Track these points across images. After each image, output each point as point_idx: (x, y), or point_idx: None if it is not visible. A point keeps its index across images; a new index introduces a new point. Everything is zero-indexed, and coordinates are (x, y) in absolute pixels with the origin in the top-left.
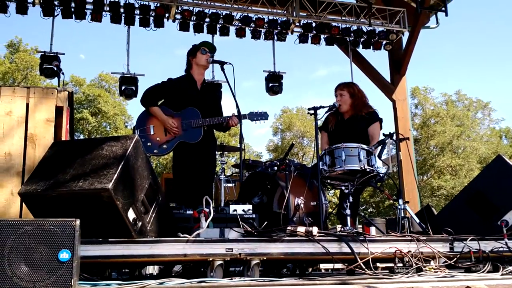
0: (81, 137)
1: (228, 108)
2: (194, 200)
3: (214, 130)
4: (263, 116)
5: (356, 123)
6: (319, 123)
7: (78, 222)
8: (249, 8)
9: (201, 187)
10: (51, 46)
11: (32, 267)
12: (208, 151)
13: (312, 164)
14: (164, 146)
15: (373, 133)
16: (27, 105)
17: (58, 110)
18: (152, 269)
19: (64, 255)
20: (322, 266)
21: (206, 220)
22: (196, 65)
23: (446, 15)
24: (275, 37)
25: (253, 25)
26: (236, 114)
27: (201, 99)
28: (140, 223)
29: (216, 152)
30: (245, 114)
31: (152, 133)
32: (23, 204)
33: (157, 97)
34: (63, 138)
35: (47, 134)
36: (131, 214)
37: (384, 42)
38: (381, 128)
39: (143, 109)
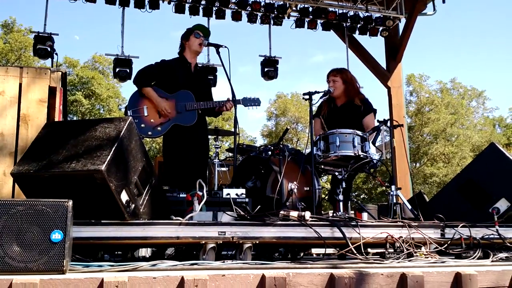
0: (75, 119)
1: (223, 92)
2: (188, 185)
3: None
4: (255, 102)
5: (350, 110)
6: (314, 108)
7: (70, 203)
8: None
9: (195, 172)
10: (45, 27)
11: (24, 247)
12: (201, 135)
13: (306, 149)
14: (158, 128)
15: (368, 124)
16: (20, 85)
17: (51, 91)
18: (145, 252)
19: (56, 235)
20: (314, 251)
21: (199, 204)
22: (188, 48)
23: (443, 2)
24: (272, 21)
25: (250, 9)
26: (230, 98)
27: (194, 82)
28: (133, 205)
29: (210, 136)
30: (239, 99)
31: (145, 114)
32: (16, 184)
33: (151, 78)
34: (56, 119)
35: (40, 115)
36: (124, 196)
37: (381, 28)
38: (374, 118)
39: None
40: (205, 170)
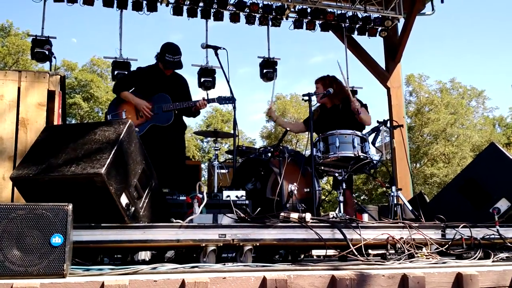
0: (73, 122)
1: (222, 93)
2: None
3: (184, 118)
4: (230, 100)
5: (338, 111)
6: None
7: (70, 206)
8: None
9: (168, 171)
10: (43, 30)
11: (24, 252)
12: (177, 135)
13: (306, 151)
14: (137, 129)
15: (366, 121)
16: (19, 89)
17: (50, 94)
18: (144, 255)
19: (56, 239)
20: (314, 252)
21: (199, 206)
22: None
23: (442, 1)
24: (270, 23)
25: (248, 10)
26: (205, 97)
27: (169, 86)
28: (133, 208)
29: (210, 138)
30: (213, 98)
31: (124, 117)
32: (15, 188)
33: (128, 84)
34: (55, 123)
35: (39, 118)
36: (124, 199)
37: (380, 28)
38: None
39: None
40: (180, 169)
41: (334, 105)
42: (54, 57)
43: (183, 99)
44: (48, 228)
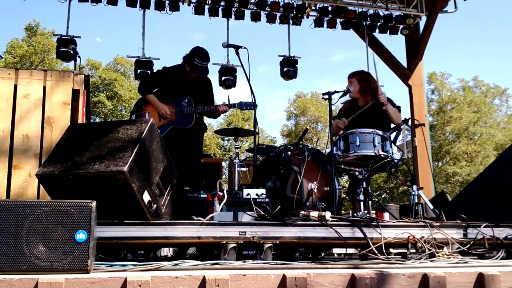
0: (97, 120)
1: (242, 92)
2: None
3: (205, 117)
4: (251, 105)
5: (368, 111)
6: (333, 108)
7: (94, 203)
8: None
9: (184, 171)
10: (68, 30)
11: (49, 247)
12: (196, 138)
13: (326, 149)
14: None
15: (394, 117)
16: (44, 88)
17: (75, 93)
18: (166, 251)
19: (80, 235)
20: (335, 250)
21: (219, 204)
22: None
23: None
24: (291, 21)
25: (269, 9)
26: (226, 102)
27: (193, 88)
28: (155, 205)
29: (230, 137)
30: (234, 103)
31: (147, 118)
32: (40, 185)
33: (152, 85)
34: (79, 121)
35: (63, 117)
36: (146, 197)
37: (401, 26)
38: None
39: None
40: (197, 169)
41: (372, 103)
42: (79, 56)
43: (206, 101)
44: (73, 224)
